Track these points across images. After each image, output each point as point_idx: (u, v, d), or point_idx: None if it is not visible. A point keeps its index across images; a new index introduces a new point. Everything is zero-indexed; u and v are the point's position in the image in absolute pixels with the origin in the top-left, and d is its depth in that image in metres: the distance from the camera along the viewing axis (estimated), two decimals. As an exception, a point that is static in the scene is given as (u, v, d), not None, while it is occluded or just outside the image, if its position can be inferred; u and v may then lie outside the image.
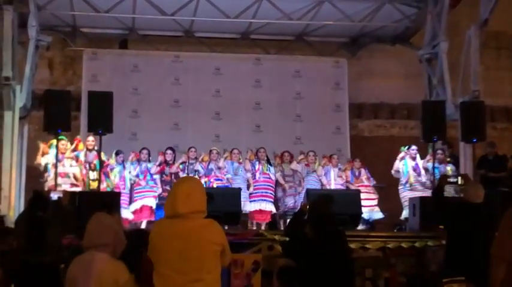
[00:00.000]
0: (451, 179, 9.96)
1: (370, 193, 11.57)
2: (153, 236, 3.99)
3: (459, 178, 9.85)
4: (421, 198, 10.20)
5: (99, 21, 13.62)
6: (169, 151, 11.51)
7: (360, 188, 11.39)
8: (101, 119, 10.41)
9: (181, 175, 11.13)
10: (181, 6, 13.07)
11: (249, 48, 14.64)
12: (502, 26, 13.67)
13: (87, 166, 10.87)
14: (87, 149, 11.00)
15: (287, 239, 6.61)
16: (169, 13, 13.26)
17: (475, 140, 11.11)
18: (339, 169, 11.66)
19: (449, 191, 9.99)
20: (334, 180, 11.50)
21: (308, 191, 10.38)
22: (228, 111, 13.84)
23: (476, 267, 5.49)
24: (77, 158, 10.87)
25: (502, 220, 4.22)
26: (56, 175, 10.41)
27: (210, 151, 11.46)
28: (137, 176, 11.23)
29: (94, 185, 10.76)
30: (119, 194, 10.21)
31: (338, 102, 14.45)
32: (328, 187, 11.39)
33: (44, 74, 14.08)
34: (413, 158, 11.36)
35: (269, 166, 11.49)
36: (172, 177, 11.30)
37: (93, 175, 10.85)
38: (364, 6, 13.22)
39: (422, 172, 11.32)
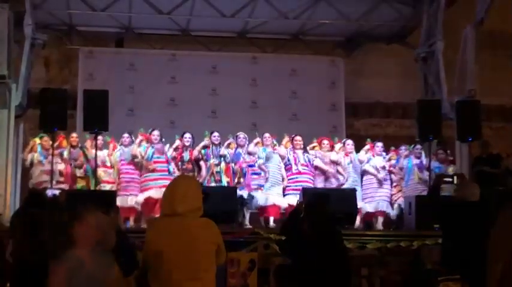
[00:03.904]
0: (447, 179, 9.96)
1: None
2: (150, 235, 3.99)
3: (455, 177, 9.86)
4: (417, 197, 10.21)
5: (95, 19, 13.61)
6: (187, 135, 10.61)
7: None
8: (97, 118, 10.39)
9: (202, 163, 10.49)
10: (177, 5, 13.07)
11: (245, 47, 14.63)
12: (498, 25, 13.69)
13: (72, 163, 10.68)
14: (71, 146, 10.76)
15: (283, 237, 6.62)
16: (165, 12, 13.27)
17: (470, 139, 11.13)
18: (384, 158, 11.15)
19: (445, 190, 10.01)
20: (377, 169, 10.94)
21: (304, 190, 10.35)
22: (225, 110, 13.83)
23: (472, 266, 5.50)
24: (61, 155, 10.66)
25: (498, 219, 4.23)
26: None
27: (237, 135, 10.75)
28: (149, 158, 10.35)
29: (82, 182, 10.67)
30: (115, 193, 10.14)
31: (334, 101, 14.46)
32: (374, 174, 10.90)
33: (40, 72, 14.03)
34: (418, 157, 11.28)
35: (307, 154, 10.71)
36: (194, 164, 10.50)
37: (79, 172, 10.69)
38: (360, 5, 13.24)
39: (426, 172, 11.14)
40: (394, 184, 11.24)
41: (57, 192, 8.62)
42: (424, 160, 11.11)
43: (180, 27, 14.21)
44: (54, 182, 10.39)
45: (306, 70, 14.40)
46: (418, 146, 11.28)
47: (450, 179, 9.45)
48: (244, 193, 10.39)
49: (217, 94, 14.06)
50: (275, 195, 10.42)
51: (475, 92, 11.75)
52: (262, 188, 10.46)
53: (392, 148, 11.46)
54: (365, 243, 9.30)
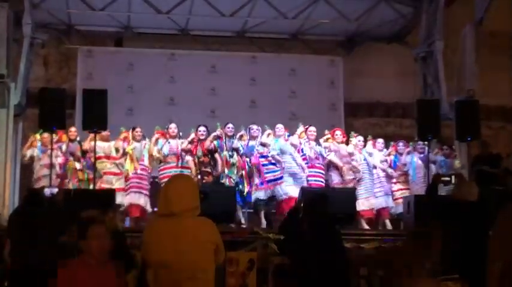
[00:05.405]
0: (445, 178, 9.95)
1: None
2: (148, 235, 3.98)
3: (453, 176, 9.85)
4: (416, 196, 10.21)
5: (94, 19, 13.60)
6: (202, 129, 10.44)
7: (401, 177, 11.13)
8: (96, 117, 10.36)
9: (217, 155, 10.32)
10: (176, 4, 13.07)
11: (244, 47, 14.63)
12: (497, 25, 13.69)
13: (71, 156, 10.71)
14: (70, 140, 10.81)
15: (282, 237, 6.62)
16: (164, 11, 13.26)
17: (469, 139, 11.13)
18: (384, 154, 11.21)
19: (443, 189, 10.00)
20: (379, 163, 11.01)
21: (303, 189, 10.34)
22: (224, 110, 13.79)
23: (471, 265, 5.50)
24: (60, 149, 10.71)
25: (498, 219, 4.23)
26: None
27: (249, 127, 10.62)
28: (166, 154, 10.30)
29: (80, 175, 10.67)
30: (114, 192, 10.09)
31: (333, 101, 14.48)
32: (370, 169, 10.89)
33: (39, 71, 14.05)
34: (421, 153, 11.30)
35: (320, 147, 10.57)
36: (209, 157, 10.29)
37: (78, 165, 10.72)
38: (359, 4, 13.24)
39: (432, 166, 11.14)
40: (394, 180, 11.30)
41: (55, 191, 8.60)
42: (428, 155, 11.15)
43: (179, 26, 14.21)
44: (54, 176, 10.39)
45: (305, 70, 14.41)
46: (421, 142, 11.31)
47: (448, 179, 9.45)
48: (260, 194, 10.26)
49: (216, 94, 14.06)
50: (292, 186, 10.23)
51: (474, 92, 11.76)
52: (281, 181, 10.26)
53: (392, 143, 11.52)
54: (364, 243, 9.29)
